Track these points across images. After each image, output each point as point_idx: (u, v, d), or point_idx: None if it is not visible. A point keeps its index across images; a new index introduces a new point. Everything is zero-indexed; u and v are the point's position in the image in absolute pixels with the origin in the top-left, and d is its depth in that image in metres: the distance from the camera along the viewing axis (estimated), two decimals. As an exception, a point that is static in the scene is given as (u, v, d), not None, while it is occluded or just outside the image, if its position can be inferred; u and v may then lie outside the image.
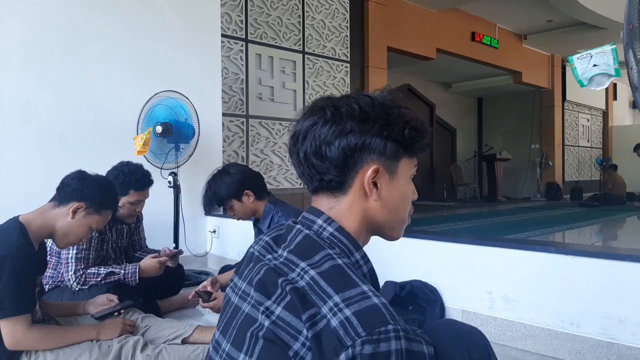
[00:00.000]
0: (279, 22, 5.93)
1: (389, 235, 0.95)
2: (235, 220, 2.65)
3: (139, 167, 2.71)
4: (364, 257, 0.89)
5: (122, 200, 2.62)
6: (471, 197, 11.51)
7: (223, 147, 4.93)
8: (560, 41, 10.82)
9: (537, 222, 7.43)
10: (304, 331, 0.72)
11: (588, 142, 13.72)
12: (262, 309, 0.78)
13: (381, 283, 2.65)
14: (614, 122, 14.58)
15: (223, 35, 5.14)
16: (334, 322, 0.70)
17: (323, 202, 0.90)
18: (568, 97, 12.44)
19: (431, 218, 7.25)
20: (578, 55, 2.01)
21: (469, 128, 13.43)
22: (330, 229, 0.87)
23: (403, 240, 3.04)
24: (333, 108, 0.86)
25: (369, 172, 0.86)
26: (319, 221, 0.88)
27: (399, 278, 2.77)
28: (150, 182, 2.73)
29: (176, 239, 3.83)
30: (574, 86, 12.19)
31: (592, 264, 2.18)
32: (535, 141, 12.44)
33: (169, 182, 3.75)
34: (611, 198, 10.11)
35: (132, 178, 2.63)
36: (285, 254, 0.84)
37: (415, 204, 0.98)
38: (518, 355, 2.30)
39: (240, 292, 0.88)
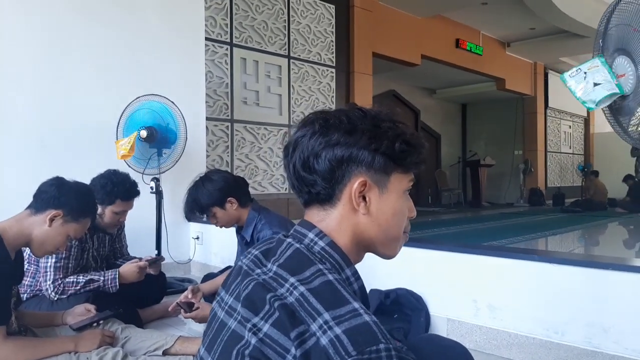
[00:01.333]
0: (264, 26, 5.90)
1: (382, 252, 0.93)
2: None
3: (127, 177, 2.67)
4: (355, 273, 0.87)
5: (107, 209, 2.58)
6: (455, 203, 11.61)
7: (207, 151, 4.88)
8: (542, 49, 10.99)
9: (520, 228, 7.50)
10: (292, 349, 0.69)
11: (570, 148, 13.93)
12: (249, 325, 0.75)
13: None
14: (595, 129, 14.82)
15: (207, 39, 5.09)
16: (324, 341, 0.68)
17: (314, 215, 0.88)
18: (550, 104, 12.62)
19: (416, 224, 7.27)
20: (569, 72, 2.01)
21: (453, 134, 13.54)
22: (321, 243, 0.85)
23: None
24: (322, 120, 0.85)
25: (356, 185, 0.84)
26: (310, 235, 0.86)
27: (383, 286, 2.75)
28: (137, 193, 2.70)
29: (158, 246, 3.76)
30: (556, 93, 12.40)
31: (576, 273, 2.19)
32: (518, 147, 12.60)
33: (151, 187, 3.68)
34: (593, 204, 10.26)
35: (121, 187, 2.59)
36: (274, 268, 0.81)
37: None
38: (503, 364, 2.30)
39: (226, 307, 0.85)
